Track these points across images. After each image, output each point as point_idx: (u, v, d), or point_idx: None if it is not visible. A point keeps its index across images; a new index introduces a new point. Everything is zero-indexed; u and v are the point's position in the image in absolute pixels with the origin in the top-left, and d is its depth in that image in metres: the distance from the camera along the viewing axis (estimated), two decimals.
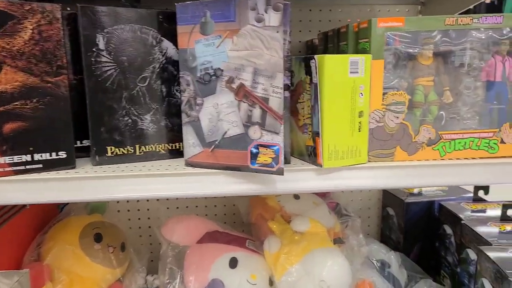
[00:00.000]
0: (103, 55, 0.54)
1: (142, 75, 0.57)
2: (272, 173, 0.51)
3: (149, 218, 0.96)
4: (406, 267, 0.85)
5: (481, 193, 0.89)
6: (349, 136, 0.54)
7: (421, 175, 0.56)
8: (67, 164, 0.55)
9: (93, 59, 0.54)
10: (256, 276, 0.73)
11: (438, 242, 0.88)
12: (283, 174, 0.50)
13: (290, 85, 0.54)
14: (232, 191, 0.53)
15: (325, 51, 0.72)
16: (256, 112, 0.50)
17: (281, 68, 0.49)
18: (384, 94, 0.56)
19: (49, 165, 0.53)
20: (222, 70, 0.51)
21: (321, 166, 0.54)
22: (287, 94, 0.55)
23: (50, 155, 0.53)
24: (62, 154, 0.54)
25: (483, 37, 0.56)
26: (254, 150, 0.51)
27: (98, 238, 0.77)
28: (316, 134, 0.54)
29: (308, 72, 0.54)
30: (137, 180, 0.52)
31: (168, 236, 0.76)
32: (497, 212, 0.81)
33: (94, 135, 0.56)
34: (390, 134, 0.57)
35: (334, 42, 0.67)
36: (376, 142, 0.57)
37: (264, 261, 0.75)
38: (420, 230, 0.91)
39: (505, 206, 0.77)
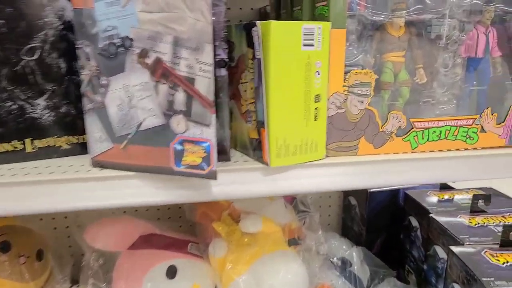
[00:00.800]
0: None
1: (30, 45, 0.42)
2: (202, 177, 0.39)
3: (78, 216, 0.82)
4: (368, 262, 0.78)
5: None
6: (303, 126, 0.43)
7: (390, 172, 0.47)
8: None
9: None
10: (200, 286, 0.63)
11: (403, 234, 0.81)
12: (215, 178, 0.39)
13: (227, 60, 0.42)
14: (152, 201, 0.41)
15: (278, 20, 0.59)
16: (179, 97, 0.38)
17: (209, 38, 0.36)
18: (346, 73, 0.44)
19: None
20: (131, 40, 0.38)
21: (267, 165, 0.43)
22: (224, 72, 0.42)
23: None
24: None
25: (465, 3, 0.46)
26: (179, 147, 0.39)
27: (5, 247, 0.63)
28: (261, 125, 0.42)
29: (251, 44, 0.42)
30: (20, 189, 0.39)
31: (91, 242, 0.63)
32: (466, 200, 0.75)
33: None
34: (353, 123, 0.46)
35: (287, 7, 0.54)
36: (336, 133, 0.46)
37: (210, 267, 0.64)
38: (384, 221, 0.84)
39: (476, 197, 0.70)
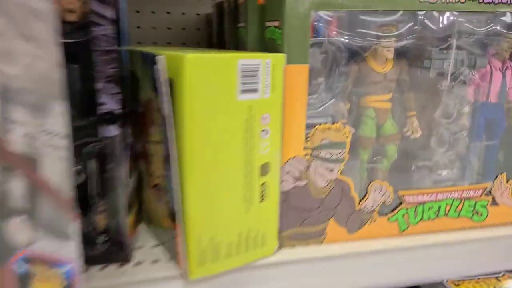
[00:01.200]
0: None
1: None
2: None
3: None
4: None
5: None
6: (242, 213, 0.28)
7: (369, 269, 0.32)
8: None
9: None
10: None
11: None
12: None
13: (118, 112, 0.26)
14: None
15: (220, 36, 0.44)
16: (17, 188, 0.22)
17: (57, 89, 0.20)
18: (309, 128, 0.30)
19: None
20: None
21: (186, 274, 0.27)
22: (114, 131, 0.26)
23: None
24: None
25: (480, 29, 0.32)
26: (22, 268, 0.23)
27: None
28: (173, 215, 0.27)
29: (156, 87, 0.26)
30: None
31: None
32: None
33: None
34: (318, 200, 0.31)
35: (230, 21, 0.39)
36: (294, 215, 0.31)
37: None
38: None
39: None
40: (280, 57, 0.27)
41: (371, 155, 0.33)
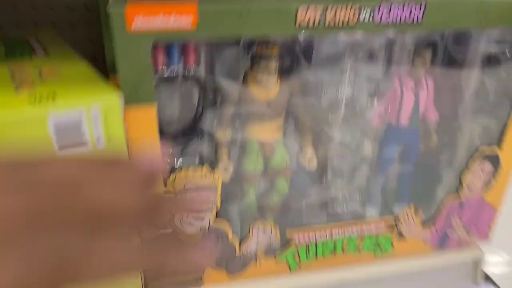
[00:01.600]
0: None
1: None
2: None
3: None
4: None
5: None
6: None
7: None
8: None
9: None
10: None
11: None
12: None
13: None
14: None
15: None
16: None
17: None
18: (172, 172, 0.25)
19: None
20: None
21: None
22: None
23: None
24: None
25: (379, 44, 0.26)
26: None
27: None
28: None
29: None
30: None
31: None
32: None
33: None
34: None
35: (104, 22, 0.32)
36: None
37: None
38: None
39: None
40: (114, 99, 0.22)
41: (259, 190, 0.29)
